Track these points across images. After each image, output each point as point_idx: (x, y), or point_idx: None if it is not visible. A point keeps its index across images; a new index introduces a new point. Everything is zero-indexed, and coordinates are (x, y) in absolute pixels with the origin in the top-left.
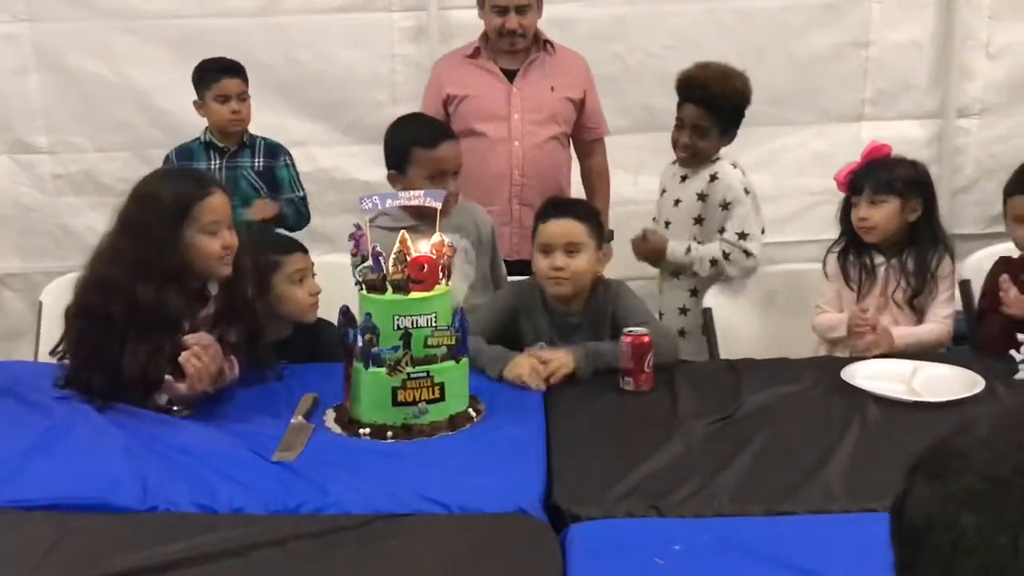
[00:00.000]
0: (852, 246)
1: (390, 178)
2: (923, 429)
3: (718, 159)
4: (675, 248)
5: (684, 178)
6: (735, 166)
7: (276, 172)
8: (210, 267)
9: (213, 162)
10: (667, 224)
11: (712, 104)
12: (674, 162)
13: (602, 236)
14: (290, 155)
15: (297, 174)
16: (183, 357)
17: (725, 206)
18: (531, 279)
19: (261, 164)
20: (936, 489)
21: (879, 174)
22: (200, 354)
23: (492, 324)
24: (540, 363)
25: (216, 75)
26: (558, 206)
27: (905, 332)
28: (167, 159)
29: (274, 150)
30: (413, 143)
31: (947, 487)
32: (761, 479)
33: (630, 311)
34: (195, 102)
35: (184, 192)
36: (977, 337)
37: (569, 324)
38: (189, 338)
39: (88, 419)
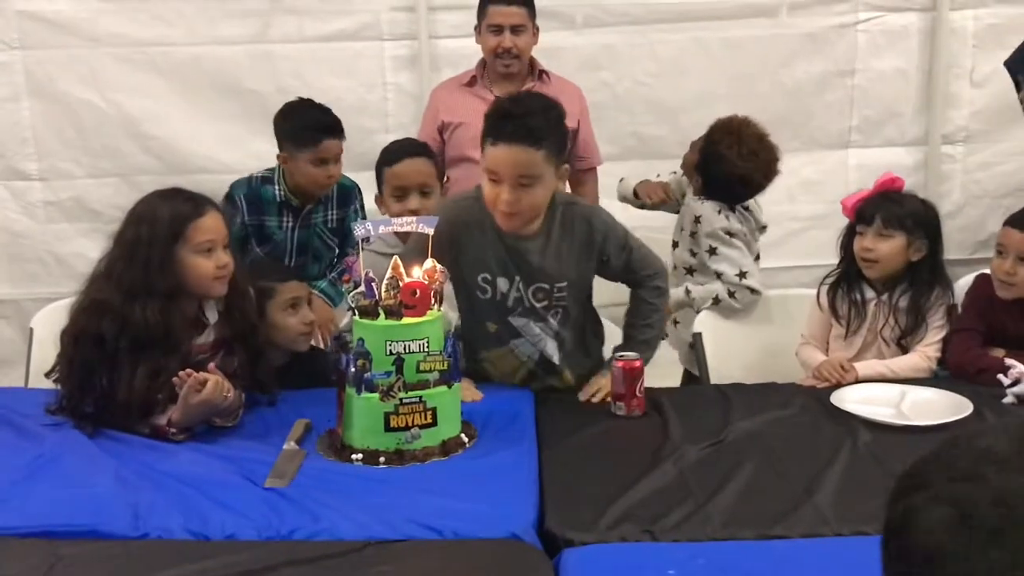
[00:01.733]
0: (846, 278)
1: (376, 200)
2: (913, 453)
3: (704, 200)
4: (675, 296)
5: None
6: (720, 211)
7: (347, 222)
8: (204, 287)
9: (286, 220)
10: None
11: (705, 158)
12: None
13: (563, 150)
14: (360, 196)
15: (365, 218)
16: (183, 378)
17: (712, 251)
18: (478, 193)
19: (334, 217)
20: (950, 516)
21: (891, 207)
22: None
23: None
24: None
25: (317, 137)
26: (510, 123)
27: (873, 367)
28: (231, 193)
29: (346, 196)
30: (381, 162)
31: (964, 518)
32: (754, 503)
33: (615, 241)
34: (279, 156)
35: (178, 212)
36: (948, 355)
37: (525, 249)
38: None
39: (79, 446)
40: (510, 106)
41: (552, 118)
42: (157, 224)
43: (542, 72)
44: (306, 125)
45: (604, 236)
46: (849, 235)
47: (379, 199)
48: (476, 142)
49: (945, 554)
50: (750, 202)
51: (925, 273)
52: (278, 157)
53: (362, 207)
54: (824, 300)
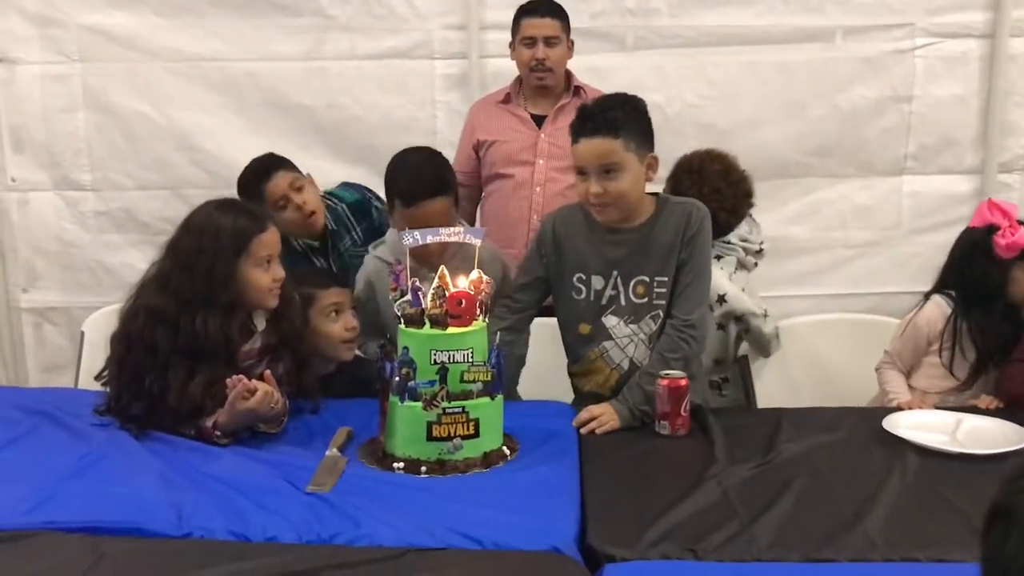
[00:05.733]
0: (987, 312)
1: (387, 210)
2: (966, 481)
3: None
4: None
5: None
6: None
7: (377, 228)
8: (260, 299)
9: (320, 264)
10: None
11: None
12: None
13: (648, 139)
14: (373, 196)
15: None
16: (234, 383)
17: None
18: (576, 203)
19: (359, 235)
20: None
21: None
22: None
23: (527, 268)
24: (587, 416)
25: (260, 186)
26: (588, 119)
27: None
28: None
29: (361, 210)
30: (393, 193)
31: None
32: (800, 525)
33: (700, 243)
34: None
35: (242, 226)
36: (1003, 385)
37: (619, 240)
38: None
39: (125, 446)
40: (590, 106)
41: (629, 109)
42: (221, 237)
43: (578, 87)
44: (247, 185)
45: (697, 229)
46: (984, 267)
47: (390, 213)
48: (508, 160)
49: None
50: (732, 236)
51: None
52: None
53: (379, 200)
54: (931, 328)
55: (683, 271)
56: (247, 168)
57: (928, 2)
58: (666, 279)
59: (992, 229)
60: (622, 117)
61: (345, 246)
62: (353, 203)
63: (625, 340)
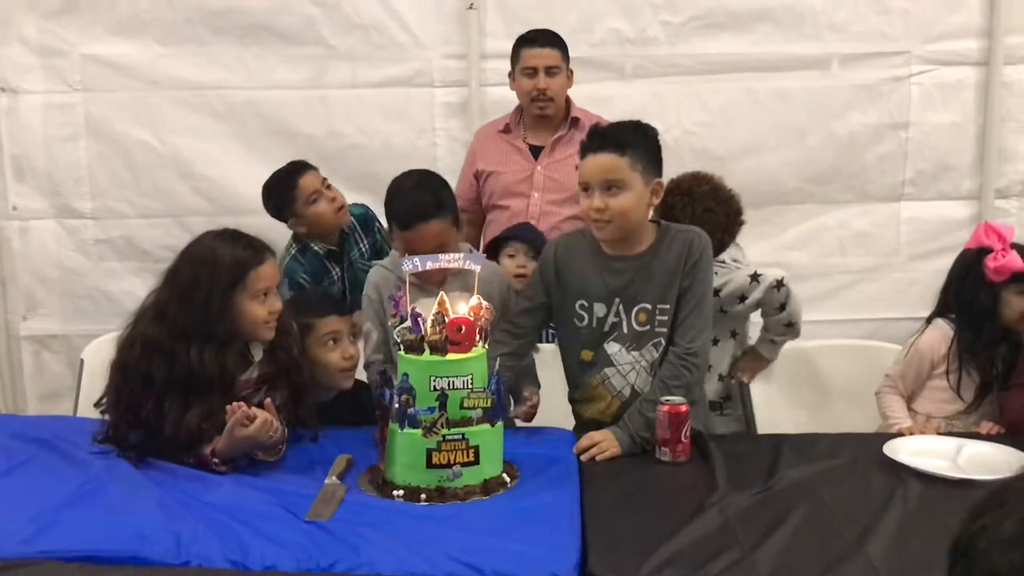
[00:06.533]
0: (989, 338)
1: (387, 235)
2: (968, 507)
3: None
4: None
5: None
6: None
7: (378, 247)
8: (256, 331)
9: (335, 271)
10: None
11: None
12: None
13: (655, 164)
14: (375, 216)
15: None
16: (234, 410)
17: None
18: (579, 229)
19: (366, 247)
20: (1016, 533)
21: None
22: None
23: (529, 293)
24: (587, 443)
25: (292, 182)
26: (598, 137)
27: None
28: (292, 279)
29: (366, 224)
30: (392, 217)
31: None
32: (801, 553)
33: (694, 291)
34: (289, 224)
35: (239, 259)
36: (1004, 410)
37: (622, 268)
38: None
39: (124, 474)
40: (601, 126)
41: (640, 133)
42: (218, 269)
43: (576, 118)
44: (277, 183)
45: (699, 257)
46: (976, 292)
47: (389, 236)
48: (505, 191)
49: (1009, 571)
50: (724, 255)
51: None
52: (290, 226)
53: (379, 221)
54: (936, 353)
55: (685, 299)
56: (278, 170)
57: (923, 30)
58: (668, 307)
59: (984, 252)
60: (630, 137)
61: (355, 256)
62: (359, 216)
63: (627, 367)
